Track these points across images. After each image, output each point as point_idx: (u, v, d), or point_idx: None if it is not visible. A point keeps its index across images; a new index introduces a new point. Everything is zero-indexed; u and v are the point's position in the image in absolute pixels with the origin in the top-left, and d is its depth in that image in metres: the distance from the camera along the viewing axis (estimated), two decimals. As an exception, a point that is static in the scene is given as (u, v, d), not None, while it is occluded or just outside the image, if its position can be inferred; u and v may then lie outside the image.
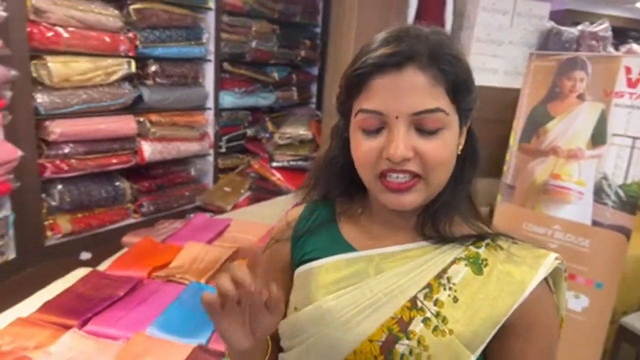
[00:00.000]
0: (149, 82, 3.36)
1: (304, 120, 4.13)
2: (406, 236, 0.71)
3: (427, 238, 0.70)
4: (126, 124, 3.21)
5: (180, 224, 2.70)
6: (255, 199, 3.86)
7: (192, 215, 3.39)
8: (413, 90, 0.61)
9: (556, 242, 2.32)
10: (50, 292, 1.90)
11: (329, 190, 0.79)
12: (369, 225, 0.74)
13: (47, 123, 2.83)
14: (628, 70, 2.25)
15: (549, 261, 0.67)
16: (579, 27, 3.07)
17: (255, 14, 3.97)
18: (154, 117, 3.40)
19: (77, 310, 1.72)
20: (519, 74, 2.99)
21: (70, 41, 2.81)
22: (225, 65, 3.88)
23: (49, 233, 2.99)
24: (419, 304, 0.65)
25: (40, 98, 2.76)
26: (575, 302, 2.25)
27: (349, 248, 0.72)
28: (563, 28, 3.06)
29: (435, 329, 0.64)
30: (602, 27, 3.08)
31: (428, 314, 0.64)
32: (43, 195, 2.95)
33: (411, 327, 0.64)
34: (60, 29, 2.75)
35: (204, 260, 2.16)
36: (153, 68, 3.33)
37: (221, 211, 3.50)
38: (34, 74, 2.74)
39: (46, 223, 2.97)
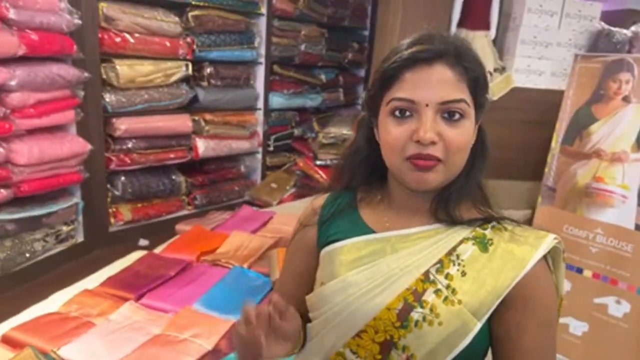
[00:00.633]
0: (204, 83, 3.59)
1: (349, 120, 4.22)
2: (420, 220, 0.79)
3: (439, 221, 0.77)
4: (182, 122, 3.45)
5: (228, 215, 2.89)
6: (299, 195, 4.01)
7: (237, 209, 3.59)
8: (442, 82, 0.70)
9: (598, 246, 2.29)
10: (112, 270, 2.13)
11: (352, 179, 0.87)
12: (387, 210, 0.82)
13: (114, 120, 3.10)
14: (677, 72, 2.18)
15: (548, 241, 0.74)
16: (632, 29, 2.98)
17: (305, 18, 4.12)
18: (208, 116, 3.62)
19: (134, 285, 1.92)
20: (567, 76, 2.96)
21: (136, 46, 3.07)
22: (275, 68, 4.05)
23: (112, 220, 3.27)
24: (432, 277, 0.73)
25: (109, 97, 3.03)
26: (616, 307, 2.22)
27: (369, 230, 0.81)
28: (614, 29, 2.99)
29: (446, 299, 0.71)
30: (658, 28, 2.97)
31: (439, 286, 0.72)
32: (108, 186, 3.23)
33: (424, 297, 0.72)
34: (127, 35, 3.02)
35: (247, 247, 2.32)
36: (208, 70, 3.55)
37: (267, 205, 3.67)
38: (104, 76, 3.01)
39: (110, 211, 3.25)
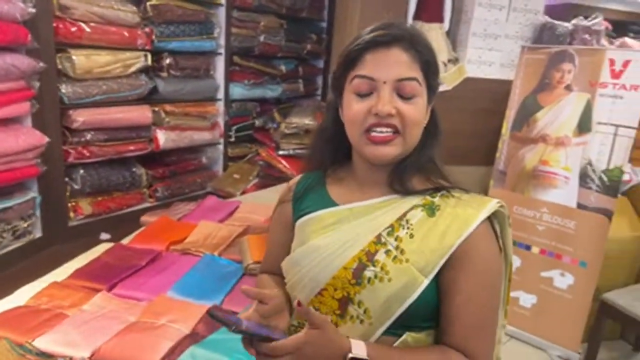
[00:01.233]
0: (164, 74, 3.55)
1: (310, 110, 4.28)
2: (379, 191, 0.87)
3: (395, 192, 0.85)
4: (142, 114, 3.41)
5: (193, 206, 2.90)
6: (262, 185, 4.04)
7: (200, 200, 3.59)
8: (397, 63, 0.79)
9: (544, 224, 2.47)
10: (78, 263, 2.11)
11: (321, 159, 0.95)
12: (351, 184, 0.90)
13: (71, 112, 3.02)
14: (612, 62, 2.38)
15: (491, 204, 0.81)
16: (573, 22, 3.19)
17: (263, 9, 4.13)
18: (168, 107, 3.59)
19: (104, 276, 1.92)
20: (514, 66, 3.13)
21: (92, 35, 3.00)
22: (235, 59, 4.06)
23: (71, 214, 3.20)
24: (383, 239, 0.81)
25: (65, 88, 2.96)
26: (561, 280, 2.41)
27: (333, 203, 0.89)
28: (557, 22, 3.19)
29: (395, 258, 0.79)
30: (596, 22, 3.19)
31: (389, 247, 0.80)
32: (67, 179, 3.16)
33: (376, 257, 0.79)
34: (83, 24, 2.95)
35: (216, 236, 2.35)
36: (167, 61, 3.51)
37: (230, 196, 3.68)
38: (59, 66, 2.93)
39: (69, 205, 3.18)
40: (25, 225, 2.87)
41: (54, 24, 2.82)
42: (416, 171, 0.85)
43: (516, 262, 2.46)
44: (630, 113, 2.29)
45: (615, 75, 2.37)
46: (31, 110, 2.72)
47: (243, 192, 3.86)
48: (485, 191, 2.80)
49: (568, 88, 2.50)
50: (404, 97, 0.79)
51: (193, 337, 1.56)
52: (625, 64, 2.34)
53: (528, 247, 2.47)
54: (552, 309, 2.37)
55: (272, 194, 3.54)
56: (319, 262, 0.83)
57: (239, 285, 1.90)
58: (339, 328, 0.80)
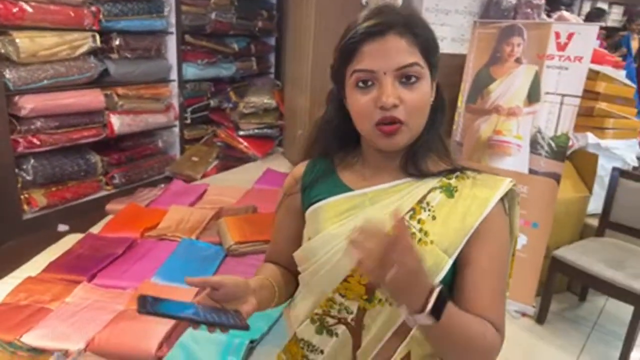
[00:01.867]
0: (114, 55, 3.39)
1: (266, 89, 4.26)
2: (393, 175, 0.85)
3: (409, 175, 0.84)
4: (94, 98, 3.26)
5: (158, 191, 2.85)
6: (223, 167, 4.02)
7: (162, 185, 3.52)
8: (395, 51, 0.77)
9: (499, 189, 2.64)
10: (48, 255, 2.04)
11: (327, 148, 0.92)
12: (363, 169, 0.88)
13: (17, 98, 2.84)
14: (557, 35, 2.53)
15: (506, 183, 0.82)
16: (516, -3, 3.35)
17: (212, -15, 4.02)
18: (121, 91, 3.45)
19: (82, 267, 1.88)
20: (464, 41, 3.26)
21: (35, 16, 2.81)
22: (187, 38, 3.94)
23: (25, 207, 3.04)
24: (406, 223, 0.78)
25: (9, 74, 2.77)
26: (516, 240, 2.60)
27: (348, 189, 0.87)
28: (502, -3, 3.34)
29: (419, 240, 0.78)
30: (536, -4, 3.36)
31: (413, 230, 0.79)
32: (17, 170, 2.98)
33: None
34: (24, 4, 2.75)
35: (189, 220, 2.34)
36: (117, 41, 3.36)
37: (191, 180, 3.64)
38: (2, 50, 2.73)
39: (22, 197, 3.02)
40: (-24, 221, 2.71)
41: (-7, 5, 2.62)
42: (428, 151, 0.85)
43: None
44: (575, 83, 2.46)
45: (561, 47, 2.53)
46: (-26, 98, 2.53)
47: (204, 175, 3.82)
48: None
49: (518, 61, 2.63)
50: (407, 83, 0.78)
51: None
52: (570, 36, 2.50)
53: (487, 212, 2.63)
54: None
55: (239, 176, 3.57)
56: (337, 251, 0.81)
57: (224, 267, 1.93)
58: (368, 312, 0.80)
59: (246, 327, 0.73)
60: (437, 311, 0.67)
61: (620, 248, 2.49)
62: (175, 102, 3.97)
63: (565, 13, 3.85)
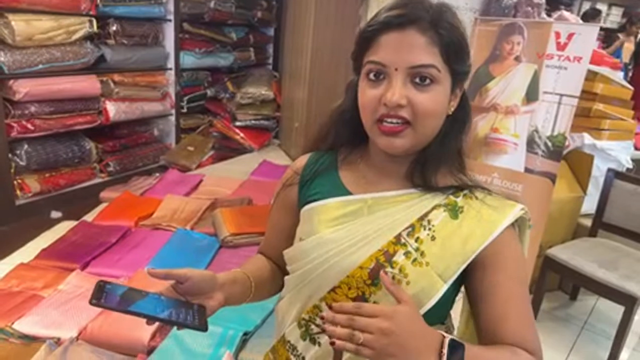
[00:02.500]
0: (111, 41, 3.35)
1: (264, 80, 4.23)
2: (397, 183, 0.80)
3: (415, 186, 0.79)
4: (90, 84, 3.22)
5: (153, 180, 2.83)
6: (219, 158, 4.00)
7: (157, 174, 3.50)
8: (412, 47, 0.71)
9: (494, 188, 2.60)
10: (41, 242, 2.03)
11: (337, 140, 0.87)
12: (366, 171, 0.83)
13: (12, 82, 2.80)
14: (557, 35, 2.53)
15: (516, 210, 0.77)
16: (517, -6, 3.35)
17: (212, -27, 3.98)
18: (117, 77, 3.41)
19: (75, 255, 1.87)
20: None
21: (31, -1, 2.77)
22: (185, 26, 3.90)
23: (18, 193, 3.01)
24: (403, 240, 0.75)
25: (4, 57, 2.73)
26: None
27: (347, 192, 0.82)
28: (503, -5, 3.33)
29: (415, 260, 0.74)
30: (537, -5, 3.36)
31: (409, 248, 0.74)
32: (10, 155, 2.95)
33: (395, 258, 0.74)
34: (20, -14, 2.71)
35: (184, 210, 2.33)
36: (114, 27, 3.32)
37: (186, 170, 3.62)
38: (-3, 33, 2.70)
39: (15, 183, 2.98)
40: (-32, 205, 2.68)
41: (-12, -14, 2.57)
42: (439, 164, 0.79)
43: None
44: (573, 83, 2.46)
45: (561, 47, 2.53)
46: (-33, 81, 2.50)
47: (199, 165, 3.79)
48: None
49: (517, 59, 2.63)
50: (419, 84, 0.72)
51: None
52: (570, 36, 2.50)
53: (481, 210, 2.64)
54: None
55: (234, 167, 3.56)
56: (328, 257, 0.77)
57: (218, 258, 1.92)
58: None
59: (204, 329, 0.70)
60: None
61: (612, 249, 2.51)
62: (171, 91, 3.93)
63: (565, 13, 3.85)
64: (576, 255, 2.43)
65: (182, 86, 4.03)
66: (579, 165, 2.86)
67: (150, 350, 1.47)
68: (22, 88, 2.83)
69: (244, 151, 4.01)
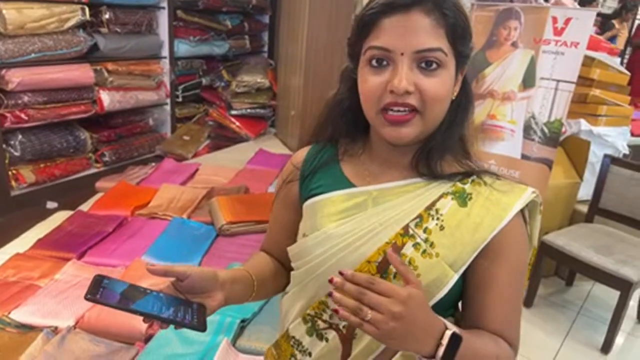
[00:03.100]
0: (104, 29, 3.32)
1: (260, 68, 4.19)
2: (401, 173, 0.77)
3: (420, 175, 0.76)
4: (83, 73, 3.19)
5: (149, 169, 2.82)
6: (215, 147, 3.98)
7: (153, 164, 3.48)
8: (417, 30, 0.67)
9: (492, 174, 2.65)
10: (37, 232, 2.02)
11: (336, 132, 0.84)
12: (368, 163, 0.80)
13: (4, 72, 2.78)
14: (554, 20, 2.51)
15: (527, 194, 0.74)
16: (515, -21, 3.31)
17: (206, -41, 3.92)
18: (111, 66, 3.38)
19: (71, 245, 1.86)
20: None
21: (22, -14, 2.73)
22: (179, 13, 3.85)
23: (13, 183, 3.00)
24: (411, 231, 0.73)
25: (-5, 46, 2.70)
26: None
27: (350, 184, 0.79)
28: (500, -21, 3.29)
29: (424, 252, 0.71)
30: (534, -20, 3.32)
31: (418, 240, 0.72)
32: (4, 146, 2.93)
33: (403, 251, 0.72)
34: (10, -27, 2.67)
35: (180, 199, 2.32)
36: (107, 15, 3.28)
37: (182, 159, 3.60)
38: (-13, 21, 2.66)
39: (10, 173, 2.97)
40: (-38, 197, 2.66)
41: (-22, -27, 2.53)
42: (444, 151, 0.76)
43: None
44: (570, 68, 2.45)
45: (558, 32, 2.51)
46: (-41, 70, 2.47)
47: (195, 155, 3.78)
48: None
49: (514, 45, 2.62)
50: (426, 69, 0.69)
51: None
52: (567, 21, 2.48)
53: (479, 196, 2.64)
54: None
55: (231, 155, 3.54)
56: (334, 252, 0.75)
57: (215, 246, 1.92)
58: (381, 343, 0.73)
59: (203, 329, 0.68)
60: (450, 353, 0.63)
61: (608, 234, 2.52)
62: (166, 80, 3.90)
63: (562, -3, 3.82)
64: (572, 241, 2.44)
65: (177, 75, 3.99)
66: (575, 151, 2.86)
67: (147, 338, 1.47)
68: (15, 77, 2.80)
69: (240, 140, 3.99)
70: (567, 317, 2.52)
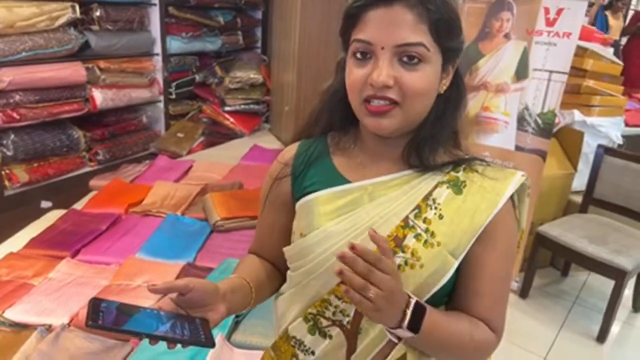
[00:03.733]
0: (95, 27, 3.29)
1: (253, 64, 4.18)
2: (393, 166, 0.78)
3: (411, 167, 0.77)
4: (75, 71, 3.17)
5: (143, 167, 2.81)
6: (209, 144, 3.97)
7: (147, 161, 3.47)
8: (399, 24, 0.68)
9: (487, 165, 2.65)
10: (31, 231, 2.01)
11: (329, 123, 0.84)
12: (360, 156, 0.81)
13: (-5, 71, 2.76)
14: (547, 10, 2.51)
15: (517, 178, 0.76)
16: (507, -29, 3.29)
17: (197, -46, 3.90)
18: (103, 64, 3.36)
19: (65, 243, 1.85)
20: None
21: (11, -16, 2.71)
22: (171, 10, 3.83)
23: (7, 183, 2.98)
24: (411, 222, 0.73)
25: (-15, 45, 2.68)
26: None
27: (344, 180, 0.79)
28: (492, -29, 3.28)
29: (426, 242, 0.72)
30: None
31: (419, 230, 0.73)
32: (-4, 146, 2.92)
33: (405, 242, 0.72)
34: (-1, -29, 2.64)
35: (174, 196, 2.32)
36: (98, 12, 3.25)
37: (177, 156, 3.59)
38: (-24, 20, 2.64)
39: (3, 173, 2.95)
40: (-45, 197, 2.65)
41: (-34, -29, 2.50)
42: (434, 144, 0.77)
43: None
44: (563, 59, 2.45)
45: (550, 23, 2.51)
46: (-51, 70, 2.44)
47: (189, 152, 3.77)
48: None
49: (507, 36, 2.61)
50: (408, 63, 0.69)
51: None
52: (559, 12, 2.48)
53: (473, 189, 2.65)
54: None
55: (225, 152, 3.53)
56: (337, 249, 0.74)
57: (209, 242, 1.91)
58: (365, 316, 0.74)
59: (211, 344, 0.65)
60: (415, 323, 0.66)
61: (603, 224, 2.53)
62: (159, 77, 3.88)
63: (555, -11, 3.81)
64: (567, 231, 2.45)
65: (170, 72, 3.97)
66: (569, 142, 2.87)
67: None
68: (6, 77, 2.78)
69: (235, 136, 3.99)
70: (562, 307, 2.53)
